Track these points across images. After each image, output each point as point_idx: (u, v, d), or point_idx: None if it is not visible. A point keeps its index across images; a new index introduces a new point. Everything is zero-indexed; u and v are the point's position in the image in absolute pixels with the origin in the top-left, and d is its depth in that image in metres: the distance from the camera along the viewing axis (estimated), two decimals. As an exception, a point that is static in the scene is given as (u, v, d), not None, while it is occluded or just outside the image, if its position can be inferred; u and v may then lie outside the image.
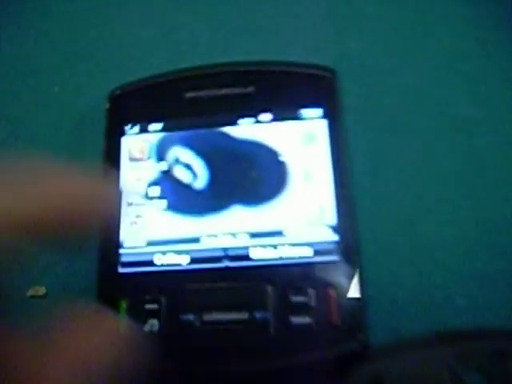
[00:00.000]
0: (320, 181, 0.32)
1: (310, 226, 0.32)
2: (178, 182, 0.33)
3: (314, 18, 0.40)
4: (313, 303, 0.30)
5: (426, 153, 0.36)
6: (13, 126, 0.40)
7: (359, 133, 0.36)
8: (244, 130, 0.33)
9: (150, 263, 0.32)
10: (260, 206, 0.32)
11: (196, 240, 0.32)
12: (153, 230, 0.33)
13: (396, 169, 0.36)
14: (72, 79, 0.41)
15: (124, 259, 0.32)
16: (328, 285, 0.30)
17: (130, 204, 0.33)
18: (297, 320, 0.30)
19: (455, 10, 0.39)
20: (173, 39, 0.41)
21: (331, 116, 0.33)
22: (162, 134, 0.34)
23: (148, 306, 0.31)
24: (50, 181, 0.20)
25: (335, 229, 0.31)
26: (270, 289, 0.30)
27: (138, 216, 0.33)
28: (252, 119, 0.34)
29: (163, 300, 0.31)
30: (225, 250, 0.32)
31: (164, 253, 0.32)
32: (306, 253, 0.31)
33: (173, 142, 0.34)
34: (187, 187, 0.33)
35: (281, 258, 0.31)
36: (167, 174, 0.34)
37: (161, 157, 0.34)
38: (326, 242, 0.31)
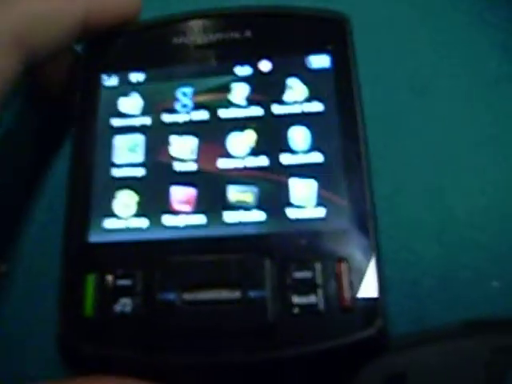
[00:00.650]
0: (325, 136, 0.27)
1: (313, 189, 0.26)
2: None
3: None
4: (319, 280, 0.24)
5: (452, 114, 0.31)
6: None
7: (375, 91, 0.31)
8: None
9: (125, 231, 0.27)
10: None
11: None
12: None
13: (417, 131, 0.30)
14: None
15: (94, 226, 0.27)
16: (338, 258, 0.24)
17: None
18: (300, 300, 0.24)
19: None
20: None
21: (341, 65, 0.28)
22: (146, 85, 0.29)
23: (120, 282, 0.25)
24: None
25: (345, 191, 0.26)
26: (267, 262, 0.25)
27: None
28: (249, 68, 0.29)
29: (138, 275, 0.25)
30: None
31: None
32: (311, 218, 0.26)
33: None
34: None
35: (280, 225, 0.26)
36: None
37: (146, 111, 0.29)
38: (334, 206, 0.26)
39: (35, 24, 0.26)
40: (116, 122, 0.28)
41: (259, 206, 0.26)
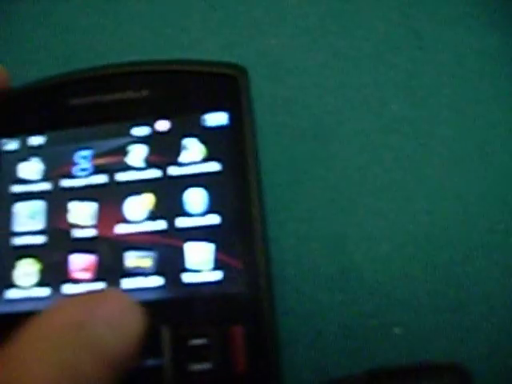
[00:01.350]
0: (223, 197, 0.27)
1: (210, 252, 0.26)
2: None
3: (229, 12, 0.35)
4: (214, 346, 0.24)
5: (353, 159, 0.31)
6: None
7: (277, 140, 0.31)
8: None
9: (27, 301, 0.26)
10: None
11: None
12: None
13: (320, 180, 0.30)
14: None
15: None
16: (233, 322, 0.25)
17: None
18: (196, 367, 0.24)
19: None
20: (67, 40, 0.35)
21: (238, 122, 0.28)
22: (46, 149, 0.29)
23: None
24: None
25: (241, 254, 0.26)
26: (164, 329, 0.25)
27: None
28: (147, 128, 0.28)
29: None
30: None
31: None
32: (207, 282, 0.25)
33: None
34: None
35: (176, 290, 0.26)
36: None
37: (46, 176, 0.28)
38: (231, 269, 0.26)
39: None
40: (16, 188, 0.28)
41: (157, 271, 0.26)
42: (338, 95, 0.32)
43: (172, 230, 0.27)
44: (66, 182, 0.28)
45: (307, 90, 0.32)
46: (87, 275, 0.26)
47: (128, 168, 0.28)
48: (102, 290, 0.22)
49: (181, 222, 0.27)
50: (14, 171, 0.28)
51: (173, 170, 0.27)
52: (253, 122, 0.28)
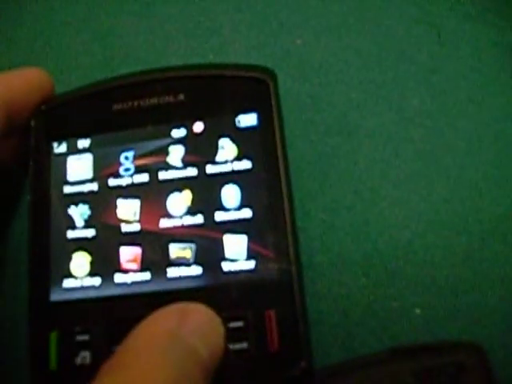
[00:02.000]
0: (254, 193, 0.29)
1: (244, 243, 0.28)
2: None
3: (256, 15, 0.36)
4: (250, 328, 0.27)
5: (379, 153, 0.33)
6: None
7: (304, 135, 0.33)
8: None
9: (80, 289, 0.29)
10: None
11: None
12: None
13: (345, 172, 0.32)
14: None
15: (54, 286, 0.29)
16: (267, 307, 0.27)
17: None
18: (234, 347, 0.27)
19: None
20: (105, 45, 0.38)
21: (267, 123, 0.30)
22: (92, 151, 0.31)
23: (78, 338, 0.28)
24: None
25: (272, 244, 0.28)
26: (204, 313, 0.27)
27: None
28: (184, 130, 0.30)
29: (94, 330, 0.28)
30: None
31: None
32: (242, 271, 0.28)
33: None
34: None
35: (215, 278, 0.28)
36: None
37: (93, 175, 0.31)
38: (263, 258, 0.28)
39: None
40: (67, 187, 0.31)
41: (196, 261, 0.29)
42: (361, 91, 0.34)
43: (210, 223, 0.29)
44: (112, 182, 0.30)
45: (332, 87, 0.34)
46: (134, 266, 0.29)
47: (168, 167, 0.30)
48: (187, 304, 0.24)
49: (219, 216, 0.29)
50: (64, 172, 0.31)
51: (209, 168, 0.30)
52: (281, 123, 0.30)
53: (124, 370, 0.20)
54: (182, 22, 0.37)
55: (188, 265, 0.29)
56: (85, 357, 0.28)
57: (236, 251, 0.28)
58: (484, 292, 0.30)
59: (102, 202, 0.30)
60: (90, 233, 0.30)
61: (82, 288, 0.29)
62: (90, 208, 0.30)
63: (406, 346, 0.29)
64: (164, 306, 0.28)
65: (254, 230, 0.29)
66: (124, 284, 0.29)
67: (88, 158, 0.31)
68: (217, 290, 0.28)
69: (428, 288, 0.30)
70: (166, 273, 0.29)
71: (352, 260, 0.31)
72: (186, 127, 0.30)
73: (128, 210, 0.30)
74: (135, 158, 0.30)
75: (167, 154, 0.30)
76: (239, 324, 0.27)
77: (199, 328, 0.22)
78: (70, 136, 0.31)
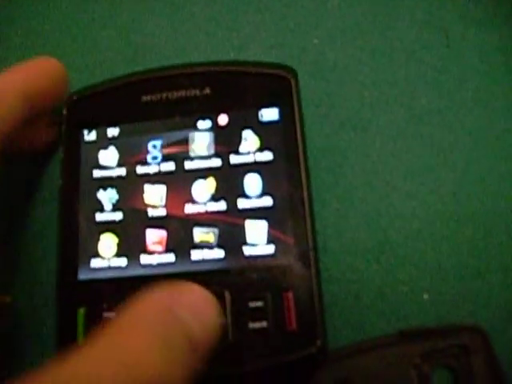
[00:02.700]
0: (274, 182, 0.30)
1: (264, 229, 0.30)
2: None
3: (274, 15, 0.37)
4: (269, 308, 0.28)
5: (388, 147, 0.34)
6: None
7: (320, 129, 0.34)
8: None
9: (107, 269, 0.30)
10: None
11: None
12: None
13: (358, 164, 0.33)
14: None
15: (82, 266, 0.30)
16: (285, 288, 0.28)
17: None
18: (254, 325, 0.28)
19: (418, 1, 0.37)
20: (129, 41, 0.38)
21: (288, 118, 0.31)
22: (121, 139, 0.32)
23: (106, 314, 0.29)
24: None
25: (291, 230, 0.29)
26: (227, 294, 0.28)
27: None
28: (209, 122, 0.32)
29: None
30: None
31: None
32: (262, 255, 0.29)
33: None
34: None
35: (237, 261, 0.29)
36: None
37: (121, 162, 0.32)
38: (282, 243, 0.29)
39: None
40: (96, 173, 0.32)
41: (219, 244, 0.30)
42: (374, 90, 0.35)
43: (233, 209, 0.30)
44: (140, 169, 0.31)
45: (346, 85, 0.35)
46: (159, 248, 0.30)
47: (194, 156, 0.31)
48: (182, 283, 0.24)
49: (241, 203, 0.30)
50: (94, 158, 0.32)
51: (233, 159, 0.31)
52: (301, 117, 0.31)
53: (110, 336, 0.20)
54: (204, 20, 0.38)
55: (211, 248, 0.30)
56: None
57: (257, 236, 0.30)
58: (488, 279, 0.31)
59: (129, 187, 0.31)
60: (118, 216, 0.31)
61: (109, 268, 0.30)
62: (118, 193, 0.31)
63: (413, 328, 0.30)
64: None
65: (274, 216, 0.30)
66: (149, 265, 0.30)
67: (116, 146, 0.32)
68: (238, 272, 0.29)
69: (435, 274, 0.31)
70: (189, 255, 0.30)
71: (364, 247, 0.32)
72: (211, 119, 0.32)
73: (155, 196, 0.31)
74: (162, 146, 0.32)
75: (193, 143, 0.31)
76: (259, 304, 0.28)
77: (192, 305, 0.22)
78: (100, 125, 0.33)
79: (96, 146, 0.32)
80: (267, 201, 0.30)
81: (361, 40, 0.36)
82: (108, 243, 0.31)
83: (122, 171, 0.32)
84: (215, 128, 0.32)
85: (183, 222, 0.30)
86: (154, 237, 0.30)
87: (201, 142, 0.31)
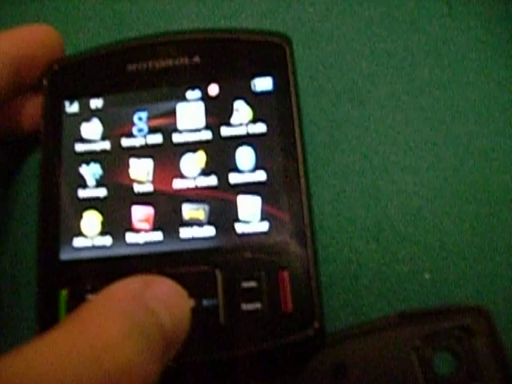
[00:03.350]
0: (268, 156, 0.28)
1: (258, 205, 0.27)
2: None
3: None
4: (264, 288, 0.26)
5: (389, 121, 0.32)
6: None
7: (315, 102, 0.32)
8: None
9: (91, 248, 0.28)
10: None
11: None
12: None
13: (356, 139, 0.31)
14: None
15: (64, 245, 0.28)
16: (280, 268, 0.26)
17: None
18: (247, 307, 0.26)
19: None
20: (115, 9, 0.36)
21: (283, 88, 0.29)
22: (105, 111, 0.30)
23: (89, 296, 0.27)
24: None
25: (286, 207, 0.27)
26: (218, 273, 0.26)
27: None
28: (199, 92, 0.29)
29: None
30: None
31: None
32: (256, 232, 0.27)
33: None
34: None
35: (229, 239, 0.27)
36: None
37: (105, 135, 0.29)
38: (276, 220, 0.27)
39: None
40: (79, 146, 0.29)
41: (210, 222, 0.27)
42: (373, 60, 0.33)
43: (224, 184, 0.28)
44: (125, 141, 0.29)
45: (343, 55, 0.33)
46: (146, 225, 0.28)
47: (182, 129, 0.29)
48: (154, 276, 0.22)
49: (233, 178, 0.28)
50: (77, 132, 0.30)
51: (224, 131, 0.29)
52: (297, 88, 0.29)
53: (80, 322, 0.19)
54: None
55: (201, 225, 0.27)
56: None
57: (249, 213, 0.27)
58: (492, 258, 0.29)
59: (114, 161, 0.29)
60: (102, 192, 0.28)
61: (93, 247, 0.28)
62: (102, 167, 0.29)
63: (414, 310, 0.29)
64: (177, 265, 0.27)
65: (267, 192, 0.27)
66: (136, 244, 0.27)
67: (100, 118, 0.30)
68: (230, 251, 0.27)
69: (437, 253, 0.29)
70: (178, 233, 0.27)
71: (362, 225, 0.30)
72: (200, 89, 0.29)
73: (141, 170, 0.28)
74: (149, 118, 0.29)
75: (181, 115, 0.29)
76: (252, 284, 0.26)
77: (163, 297, 0.21)
78: (83, 95, 0.30)
79: (78, 119, 0.30)
80: (260, 175, 0.28)
81: (358, 8, 0.34)
82: (91, 221, 0.28)
83: (106, 145, 0.29)
84: (205, 98, 0.29)
85: (171, 198, 0.28)
86: (141, 214, 0.28)
87: (190, 113, 0.29)
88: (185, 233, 0.27)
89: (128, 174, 0.29)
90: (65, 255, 0.28)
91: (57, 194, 0.29)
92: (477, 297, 0.29)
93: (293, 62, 0.29)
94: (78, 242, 0.28)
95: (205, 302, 0.26)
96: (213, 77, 0.29)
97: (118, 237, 0.28)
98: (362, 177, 0.31)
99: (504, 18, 0.33)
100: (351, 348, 0.28)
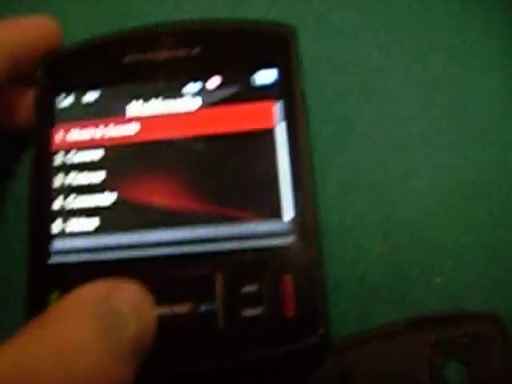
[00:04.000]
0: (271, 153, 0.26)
1: (260, 205, 0.25)
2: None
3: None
4: (265, 293, 0.24)
5: (397, 115, 0.29)
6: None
7: (321, 95, 0.30)
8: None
9: (83, 251, 0.26)
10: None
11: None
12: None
13: (363, 134, 0.29)
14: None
15: (55, 247, 0.26)
16: (283, 271, 0.24)
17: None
18: (247, 313, 0.24)
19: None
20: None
21: (288, 80, 0.27)
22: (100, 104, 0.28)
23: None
24: None
25: (289, 207, 0.25)
26: (217, 277, 0.24)
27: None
28: (199, 85, 0.27)
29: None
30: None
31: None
32: (258, 233, 0.25)
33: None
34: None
35: (229, 241, 0.25)
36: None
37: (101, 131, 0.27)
38: (279, 222, 0.25)
39: None
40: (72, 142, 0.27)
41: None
42: (381, 53, 0.30)
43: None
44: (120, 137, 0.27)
45: (350, 47, 0.31)
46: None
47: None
48: (121, 280, 0.22)
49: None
50: (70, 125, 0.28)
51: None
52: (302, 80, 0.27)
53: (46, 326, 0.18)
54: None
55: (200, 226, 0.25)
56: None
57: (251, 212, 0.25)
58: (507, 261, 0.27)
59: (109, 156, 0.27)
60: (96, 192, 0.27)
61: (85, 249, 0.26)
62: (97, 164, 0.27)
63: (423, 316, 0.27)
64: (173, 269, 0.25)
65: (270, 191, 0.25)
66: (129, 246, 0.25)
67: (95, 111, 0.28)
68: (229, 253, 0.25)
69: (449, 255, 0.27)
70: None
71: (370, 223, 0.28)
72: (201, 82, 0.27)
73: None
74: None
75: (180, 109, 0.27)
76: (253, 288, 0.24)
77: (130, 300, 0.20)
78: (77, 88, 0.28)
79: (73, 112, 0.28)
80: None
81: None
82: (84, 222, 0.26)
83: (101, 140, 0.27)
84: (205, 92, 0.27)
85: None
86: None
87: (189, 106, 0.27)
88: (181, 234, 0.25)
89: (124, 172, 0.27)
90: (55, 258, 0.26)
91: (48, 194, 0.27)
92: (490, 302, 0.26)
93: (298, 53, 0.27)
94: (69, 243, 0.26)
95: (202, 307, 0.24)
96: (214, 69, 0.27)
97: (111, 239, 0.26)
98: (370, 173, 0.29)
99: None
100: (358, 356, 0.26)
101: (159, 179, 0.26)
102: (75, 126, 0.27)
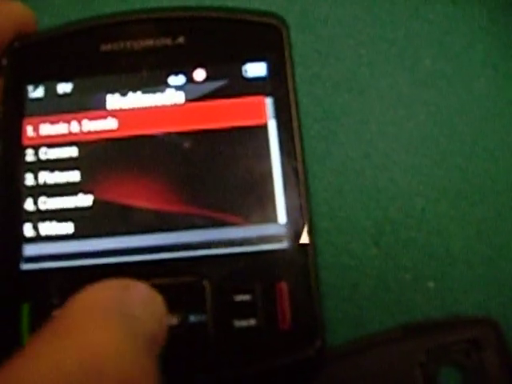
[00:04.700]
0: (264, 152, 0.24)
1: (251, 209, 0.23)
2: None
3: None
4: (259, 302, 0.22)
5: (390, 115, 0.28)
6: None
7: (310, 92, 0.28)
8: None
9: (59, 257, 0.23)
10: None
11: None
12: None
13: (354, 132, 0.28)
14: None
15: (28, 253, 0.23)
16: (277, 279, 0.22)
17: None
18: (240, 323, 0.22)
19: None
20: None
21: (278, 73, 0.24)
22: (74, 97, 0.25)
23: (55, 311, 0.22)
24: None
25: (282, 211, 0.23)
26: (207, 285, 0.22)
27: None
28: (183, 77, 0.25)
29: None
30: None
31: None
32: (249, 239, 0.23)
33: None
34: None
35: (219, 246, 0.23)
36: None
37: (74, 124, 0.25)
38: (272, 225, 0.23)
39: None
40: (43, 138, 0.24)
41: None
42: (372, 48, 0.29)
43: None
44: (97, 133, 0.24)
45: (340, 41, 0.29)
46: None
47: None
48: (129, 279, 0.20)
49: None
50: (41, 119, 0.25)
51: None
52: (294, 74, 0.25)
53: (67, 333, 0.17)
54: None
55: (187, 230, 0.23)
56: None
57: (242, 216, 0.23)
58: (500, 265, 0.26)
59: (83, 153, 0.24)
60: (71, 193, 0.24)
61: (61, 256, 0.23)
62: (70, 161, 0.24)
63: (418, 322, 0.25)
64: (158, 276, 0.23)
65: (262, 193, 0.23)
66: (109, 252, 0.23)
67: (68, 104, 0.25)
68: (220, 260, 0.23)
69: (442, 260, 0.26)
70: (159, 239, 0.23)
71: (361, 227, 0.26)
72: (185, 74, 0.25)
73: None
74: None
75: (163, 102, 0.24)
76: (246, 297, 0.22)
77: (143, 300, 0.19)
78: (49, 79, 0.25)
79: (43, 105, 0.25)
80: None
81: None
82: (58, 226, 0.24)
83: (74, 134, 0.24)
84: (190, 85, 0.25)
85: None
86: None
87: (172, 100, 0.24)
88: (166, 239, 0.23)
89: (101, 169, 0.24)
90: (27, 265, 0.23)
91: (18, 195, 0.24)
92: (484, 307, 0.26)
93: (289, 45, 0.25)
94: (42, 249, 0.23)
95: (191, 318, 0.22)
96: (199, 61, 0.25)
97: (89, 244, 0.23)
98: (361, 175, 0.27)
99: (511, 7, 0.29)
100: (352, 365, 0.24)
101: (140, 179, 0.24)
102: (47, 120, 0.24)
